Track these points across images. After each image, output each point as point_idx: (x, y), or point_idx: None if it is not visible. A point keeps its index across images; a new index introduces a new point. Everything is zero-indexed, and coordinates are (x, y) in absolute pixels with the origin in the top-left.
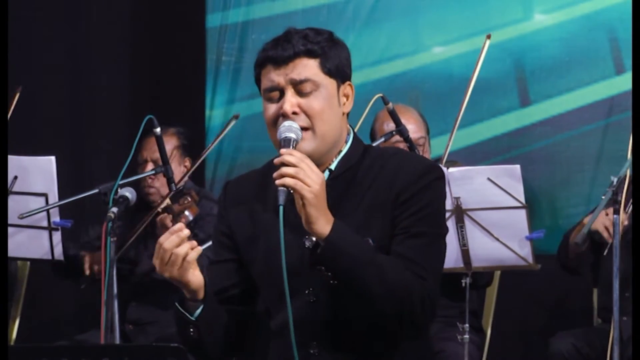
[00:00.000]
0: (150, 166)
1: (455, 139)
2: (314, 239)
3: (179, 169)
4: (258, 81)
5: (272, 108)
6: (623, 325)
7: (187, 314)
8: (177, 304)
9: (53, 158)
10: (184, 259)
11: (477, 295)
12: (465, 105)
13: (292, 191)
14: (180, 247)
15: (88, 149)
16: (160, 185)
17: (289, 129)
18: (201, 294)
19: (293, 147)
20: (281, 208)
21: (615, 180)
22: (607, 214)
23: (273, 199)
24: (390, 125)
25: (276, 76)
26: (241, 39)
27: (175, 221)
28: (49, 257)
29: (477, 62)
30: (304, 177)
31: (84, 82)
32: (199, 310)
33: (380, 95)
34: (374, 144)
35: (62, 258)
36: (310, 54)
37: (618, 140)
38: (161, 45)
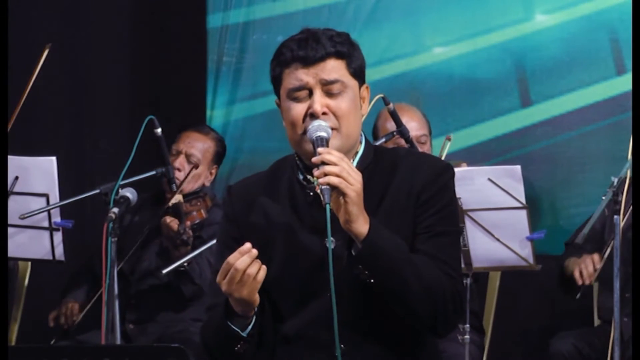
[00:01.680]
0: (181, 158)
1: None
2: (332, 239)
3: (205, 172)
4: (278, 80)
5: (298, 108)
6: (623, 325)
7: (239, 330)
8: (228, 322)
9: (54, 158)
10: (255, 278)
11: (478, 295)
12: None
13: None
14: (251, 267)
15: (89, 149)
16: (187, 179)
17: (320, 127)
18: (253, 311)
19: (326, 145)
20: (328, 207)
21: (615, 180)
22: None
23: (287, 199)
24: (393, 124)
25: (305, 76)
26: (242, 40)
27: (182, 218)
28: (50, 257)
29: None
30: (347, 176)
31: (85, 82)
32: (250, 327)
33: (381, 95)
34: (376, 144)
35: (62, 258)
36: (339, 55)
37: (619, 141)
38: (162, 45)
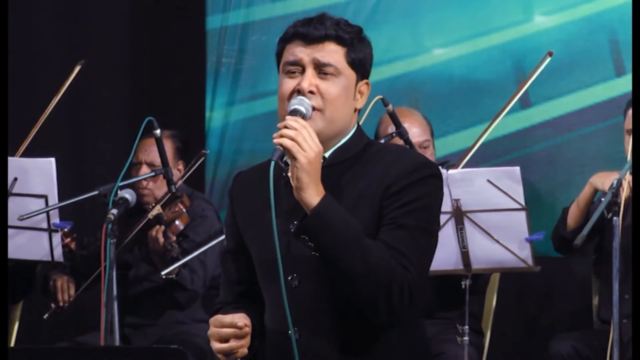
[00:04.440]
0: (144, 168)
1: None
2: (296, 222)
3: (172, 171)
4: (279, 55)
5: (289, 83)
6: (623, 327)
7: None
8: None
9: (53, 160)
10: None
11: (477, 297)
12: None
13: (287, 160)
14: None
15: (88, 150)
16: (154, 187)
17: (300, 102)
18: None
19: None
20: (273, 163)
21: (615, 182)
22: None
23: (268, 188)
24: (393, 127)
25: (300, 52)
26: (241, 41)
27: (166, 232)
28: (49, 258)
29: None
30: (302, 141)
31: (84, 83)
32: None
33: (381, 97)
34: None
35: (62, 259)
36: (339, 41)
37: (618, 142)
38: (161, 46)
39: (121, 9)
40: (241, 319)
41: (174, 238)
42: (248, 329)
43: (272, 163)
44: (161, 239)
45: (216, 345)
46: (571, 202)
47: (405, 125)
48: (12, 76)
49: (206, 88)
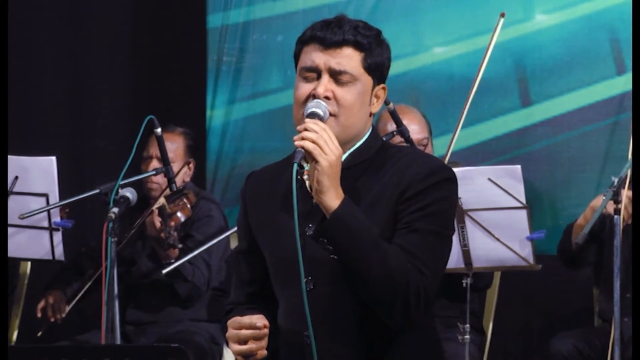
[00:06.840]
0: (155, 163)
1: (456, 139)
2: (312, 225)
3: (183, 169)
4: (297, 57)
5: (305, 87)
6: (624, 325)
7: None
8: None
9: (54, 158)
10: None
11: (478, 295)
12: (468, 105)
13: (302, 163)
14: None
15: (89, 149)
16: (163, 181)
17: (318, 105)
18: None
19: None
20: (295, 165)
21: (615, 180)
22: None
23: (283, 189)
24: (393, 125)
25: (317, 58)
26: (242, 40)
27: (166, 221)
28: (50, 257)
29: (481, 62)
30: (323, 144)
31: (84, 82)
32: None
33: None
34: None
35: (62, 258)
36: (356, 46)
37: (619, 141)
38: (162, 45)
39: (122, 8)
40: (260, 319)
41: (172, 224)
42: (267, 330)
43: (295, 165)
44: (157, 223)
45: (235, 347)
46: (571, 221)
47: (404, 121)
48: (12, 76)
49: (207, 87)
